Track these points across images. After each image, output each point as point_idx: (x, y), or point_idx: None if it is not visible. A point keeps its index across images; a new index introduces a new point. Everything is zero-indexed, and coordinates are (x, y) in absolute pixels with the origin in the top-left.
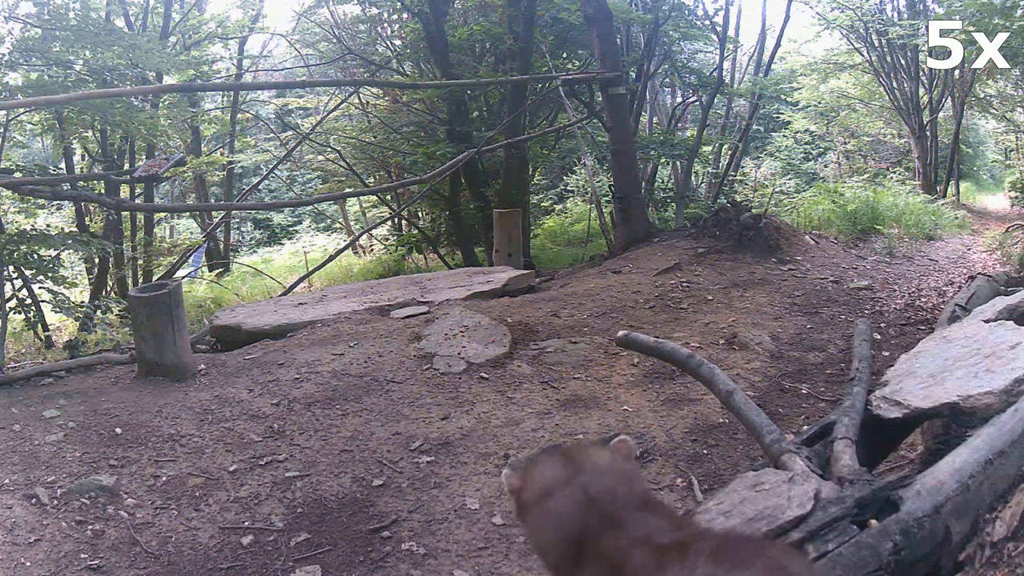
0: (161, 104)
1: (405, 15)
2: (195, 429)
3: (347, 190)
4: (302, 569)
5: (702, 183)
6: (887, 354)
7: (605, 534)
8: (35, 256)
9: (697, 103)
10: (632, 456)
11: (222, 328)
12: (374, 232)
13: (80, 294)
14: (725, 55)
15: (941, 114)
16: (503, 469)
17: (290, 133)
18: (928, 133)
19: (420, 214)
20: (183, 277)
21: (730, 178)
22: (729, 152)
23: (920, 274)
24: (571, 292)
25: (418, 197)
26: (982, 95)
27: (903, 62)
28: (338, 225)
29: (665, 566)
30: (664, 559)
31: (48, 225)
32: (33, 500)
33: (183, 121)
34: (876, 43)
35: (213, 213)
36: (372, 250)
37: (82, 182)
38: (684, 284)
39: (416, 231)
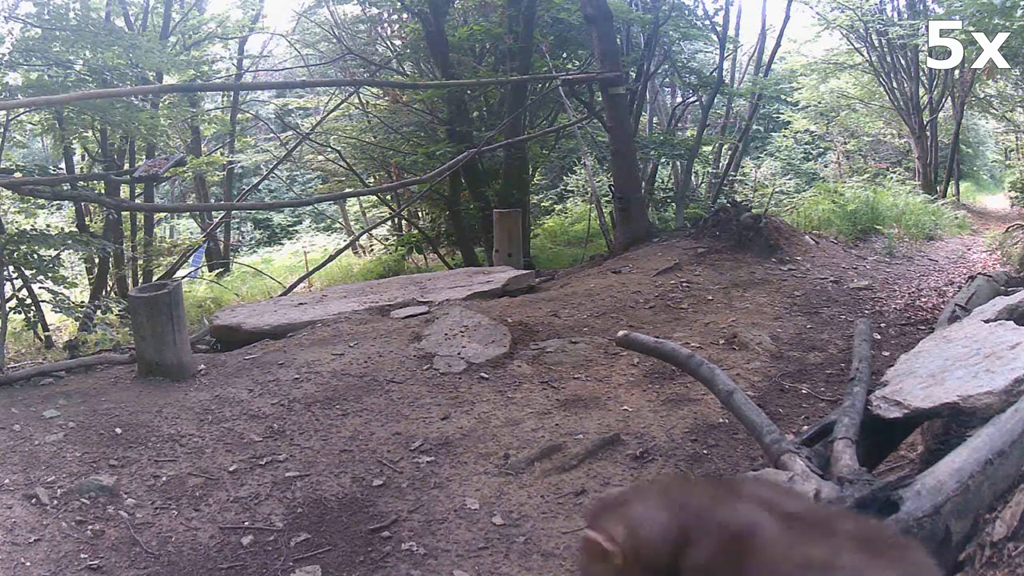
0: (161, 104)
1: (405, 15)
2: (195, 429)
3: (347, 190)
4: (302, 569)
5: (702, 183)
6: (887, 354)
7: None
8: (35, 256)
9: (697, 103)
10: None
11: (222, 328)
12: (374, 232)
13: (80, 294)
14: (725, 55)
15: (941, 114)
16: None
17: (290, 133)
18: (928, 133)
19: (420, 214)
20: (183, 277)
21: (730, 178)
22: (729, 152)
23: (920, 274)
24: (571, 292)
25: (418, 197)
26: (982, 95)
27: (903, 62)
28: (338, 225)
29: (806, 540)
30: (803, 533)
31: (48, 225)
32: (33, 500)
33: (183, 121)
34: (876, 43)
35: (213, 213)
36: (372, 250)
37: (82, 182)
38: (684, 284)
39: (416, 231)
